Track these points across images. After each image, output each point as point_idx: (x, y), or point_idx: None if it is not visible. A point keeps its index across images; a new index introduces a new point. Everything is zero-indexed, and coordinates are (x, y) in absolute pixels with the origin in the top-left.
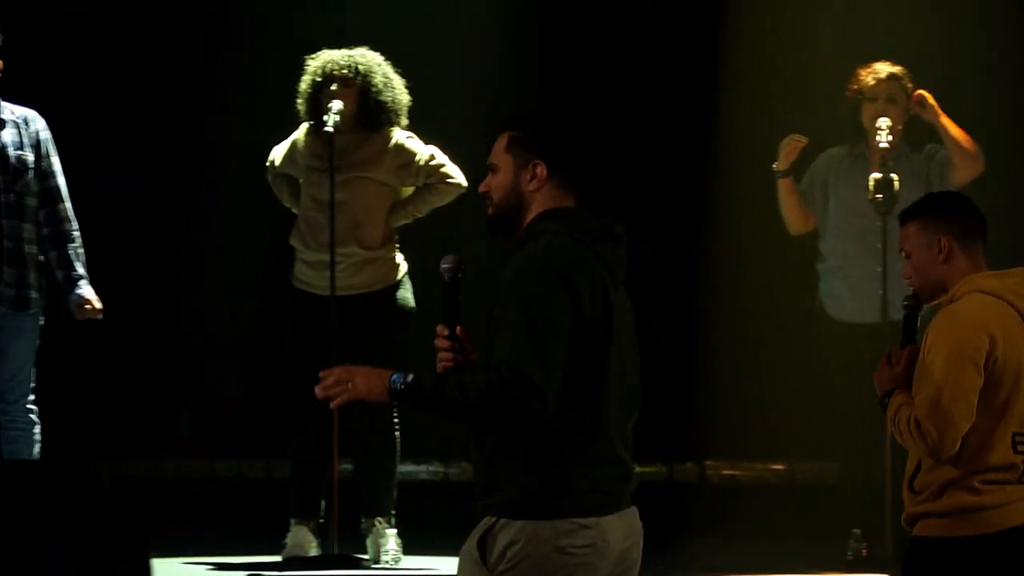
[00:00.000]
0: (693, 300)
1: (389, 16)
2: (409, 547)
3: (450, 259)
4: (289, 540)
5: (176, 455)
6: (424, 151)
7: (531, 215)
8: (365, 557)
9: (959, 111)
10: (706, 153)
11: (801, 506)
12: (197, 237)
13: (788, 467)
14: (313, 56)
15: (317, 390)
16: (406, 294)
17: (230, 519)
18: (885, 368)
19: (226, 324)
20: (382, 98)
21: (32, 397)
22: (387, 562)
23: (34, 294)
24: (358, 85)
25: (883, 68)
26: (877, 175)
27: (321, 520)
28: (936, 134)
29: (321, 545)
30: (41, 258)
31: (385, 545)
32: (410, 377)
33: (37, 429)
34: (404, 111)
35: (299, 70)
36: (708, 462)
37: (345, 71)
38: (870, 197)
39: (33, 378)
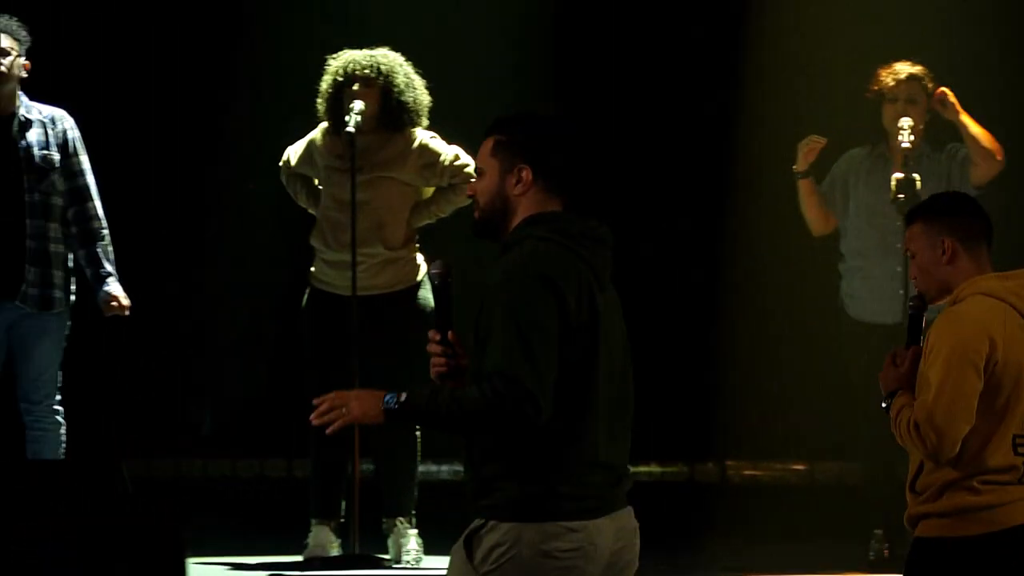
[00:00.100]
0: (714, 300)
1: (406, 16)
2: (430, 547)
3: (439, 264)
4: (310, 540)
5: (198, 455)
6: (449, 151)
7: (517, 219)
8: (386, 557)
9: (980, 110)
10: (729, 152)
11: (822, 506)
12: (220, 237)
13: (809, 467)
14: (334, 56)
15: (312, 418)
16: (427, 294)
17: (251, 519)
18: (890, 368)
19: (247, 324)
20: (404, 98)
21: (59, 398)
22: (408, 562)
23: (58, 294)
24: (380, 85)
25: (903, 68)
26: (899, 175)
27: (342, 520)
28: (958, 134)
29: (342, 545)
30: (70, 258)
31: (406, 545)
32: (403, 396)
33: (63, 430)
34: (425, 111)
35: (318, 69)
36: (729, 462)
37: (367, 71)
38: (892, 198)
39: (60, 379)
